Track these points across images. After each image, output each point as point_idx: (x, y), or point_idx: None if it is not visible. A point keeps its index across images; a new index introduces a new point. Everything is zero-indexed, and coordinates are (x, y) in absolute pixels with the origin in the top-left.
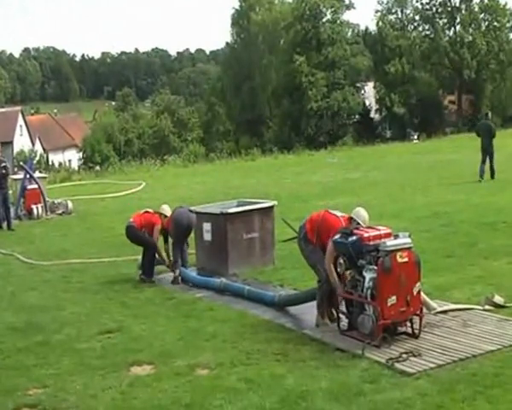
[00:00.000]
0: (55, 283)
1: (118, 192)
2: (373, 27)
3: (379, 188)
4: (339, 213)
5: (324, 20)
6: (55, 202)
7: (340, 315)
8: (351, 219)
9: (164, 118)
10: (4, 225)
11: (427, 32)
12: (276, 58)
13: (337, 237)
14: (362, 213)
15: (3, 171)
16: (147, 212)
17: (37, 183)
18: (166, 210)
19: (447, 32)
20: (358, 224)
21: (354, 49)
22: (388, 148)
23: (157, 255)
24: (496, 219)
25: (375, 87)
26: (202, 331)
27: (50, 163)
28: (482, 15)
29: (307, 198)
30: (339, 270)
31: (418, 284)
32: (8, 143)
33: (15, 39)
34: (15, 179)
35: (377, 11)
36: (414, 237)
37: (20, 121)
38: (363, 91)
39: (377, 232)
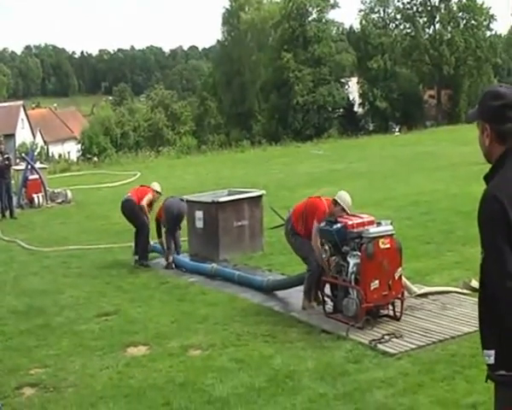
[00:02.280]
0: (55, 268)
1: (114, 182)
2: (357, 26)
3: (362, 178)
4: (322, 197)
5: (310, 18)
6: (55, 191)
7: (326, 298)
8: (334, 201)
9: (158, 112)
10: (7, 213)
11: (408, 30)
12: (264, 55)
13: (322, 224)
14: (345, 197)
15: (6, 162)
16: (141, 186)
17: (38, 173)
18: (157, 186)
19: (427, 30)
20: (342, 206)
21: (339, 47)
22: (371, 140)
23: (151, 242)
24: (472, 208)
25: (358, 82)
26: (195, 314)
27: (50, 155)
28: (460, 14)
29: (294, 188)
30: (324, 256)
31: (400, 269)
32: (11, 136)
33: (17, 37)
34: (17, 170)
35: (360, 10)
36: (395, 224)
37: (22, 115)
38: (347, 86)
39: (361, 220)
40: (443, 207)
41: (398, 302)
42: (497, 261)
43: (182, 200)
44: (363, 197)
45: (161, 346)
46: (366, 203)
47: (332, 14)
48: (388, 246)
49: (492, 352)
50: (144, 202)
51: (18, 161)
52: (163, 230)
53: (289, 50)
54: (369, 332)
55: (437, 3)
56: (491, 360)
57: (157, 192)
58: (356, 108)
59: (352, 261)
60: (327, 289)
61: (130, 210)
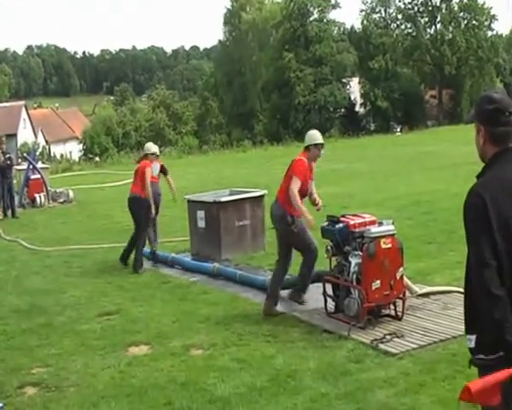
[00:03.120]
0: (57, 267)
1: (116, 182)
2: (358, 26)
3: (363, 178)
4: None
5: (312, 18)
6: (57, 191)
7: (327, 298)
8: (306, 148)
9: (160, 112)
10: (9, 213)
11: (410, 30)
12: (265, 55)
13: (324, 224)
14: (310, 135)
15: (8, 162)
16: (137, 162)
17: (39, 173)
18: (149, 147)
19: (428, 29)
20: (313, 144)
21: (340, 47)
22: (372, 140)
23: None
24: None
25: (359, 82)
26: (196, 314)
27: (52, 154)
28: (461, 14)
29: None
30: (326, 256)
31: (401, 269)
32: (13, 136)
33: (19, 37)
34: (19, 170)
35: (362, 10)
36: (397, 224)
37: (24, 115)
38: (348, 86)
39: (362, 220)
40: (444, 207)
41: (399, 302)
42: (475, 255)
43: (159, 188)
44: (364, 197)
45: (163, 345)
46: (367, 203)
47: (333, 15)
48: (390, 246)
49: (473, 337)
50: (148, 180)
51: (20, 160)
52: None
53: (290, 50)
54: (371, 332)
55: (438, 3)
56: (472, 344)
57: (151, 154)
58: (357, 108)
59: (353, 261)
60: (328, 289)
61: (139, 210)
